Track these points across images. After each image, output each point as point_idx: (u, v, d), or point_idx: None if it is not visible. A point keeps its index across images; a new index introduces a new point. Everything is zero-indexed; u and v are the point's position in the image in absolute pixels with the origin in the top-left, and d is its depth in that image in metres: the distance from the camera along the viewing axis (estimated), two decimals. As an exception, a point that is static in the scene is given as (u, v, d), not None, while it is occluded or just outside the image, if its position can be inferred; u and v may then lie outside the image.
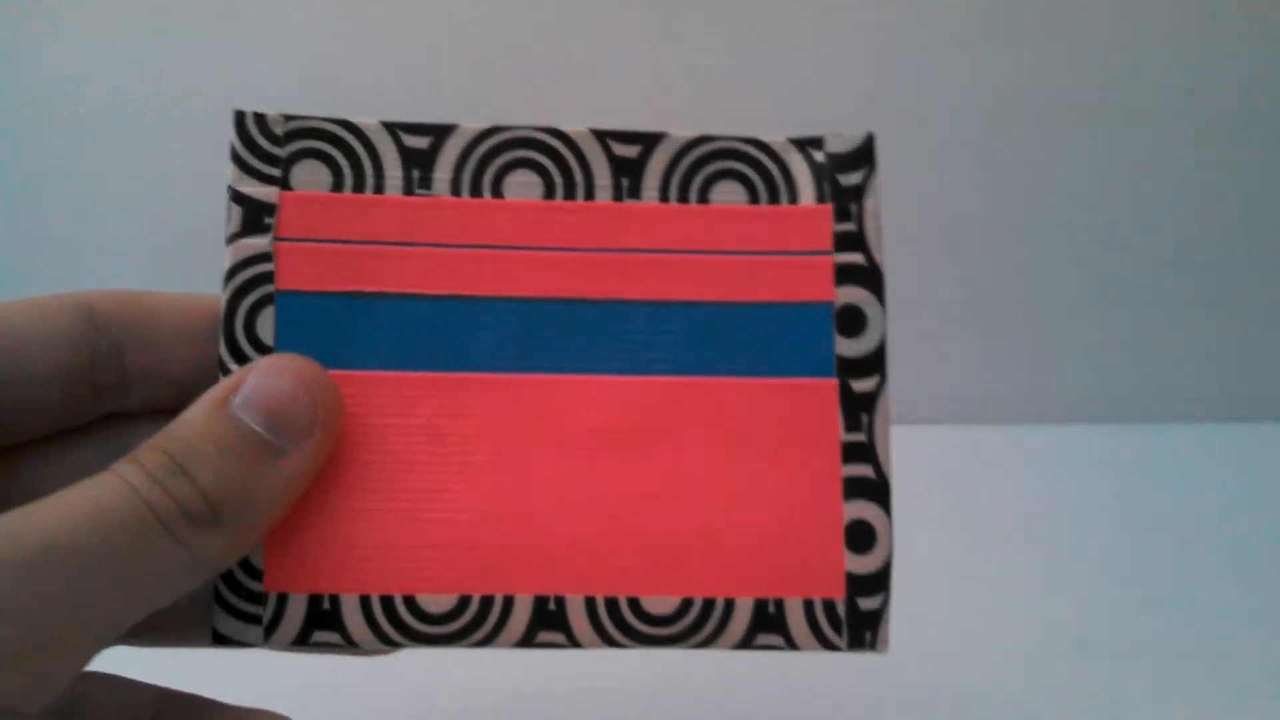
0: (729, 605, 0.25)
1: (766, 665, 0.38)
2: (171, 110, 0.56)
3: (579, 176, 0.26)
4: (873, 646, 0.25)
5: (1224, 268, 0.58)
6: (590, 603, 0.25)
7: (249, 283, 0.25)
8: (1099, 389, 0.60)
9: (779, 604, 0.25)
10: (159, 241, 0.57)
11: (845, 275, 0.26)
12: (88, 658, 0.21)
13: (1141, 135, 0.56)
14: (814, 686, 0.38)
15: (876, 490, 0.25)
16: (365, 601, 0.25)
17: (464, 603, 0.25)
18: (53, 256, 0.57)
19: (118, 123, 0.56)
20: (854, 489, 0.25)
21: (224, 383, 0.23)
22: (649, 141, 0.26)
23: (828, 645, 0.25)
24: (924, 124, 0.49)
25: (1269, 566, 0.47)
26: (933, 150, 0.51)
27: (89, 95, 0.56)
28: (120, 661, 0.24)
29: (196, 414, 0.23)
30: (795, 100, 0.54)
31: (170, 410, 0.25)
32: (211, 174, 0.52)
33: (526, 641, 0.25)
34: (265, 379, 0.23)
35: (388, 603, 0.25)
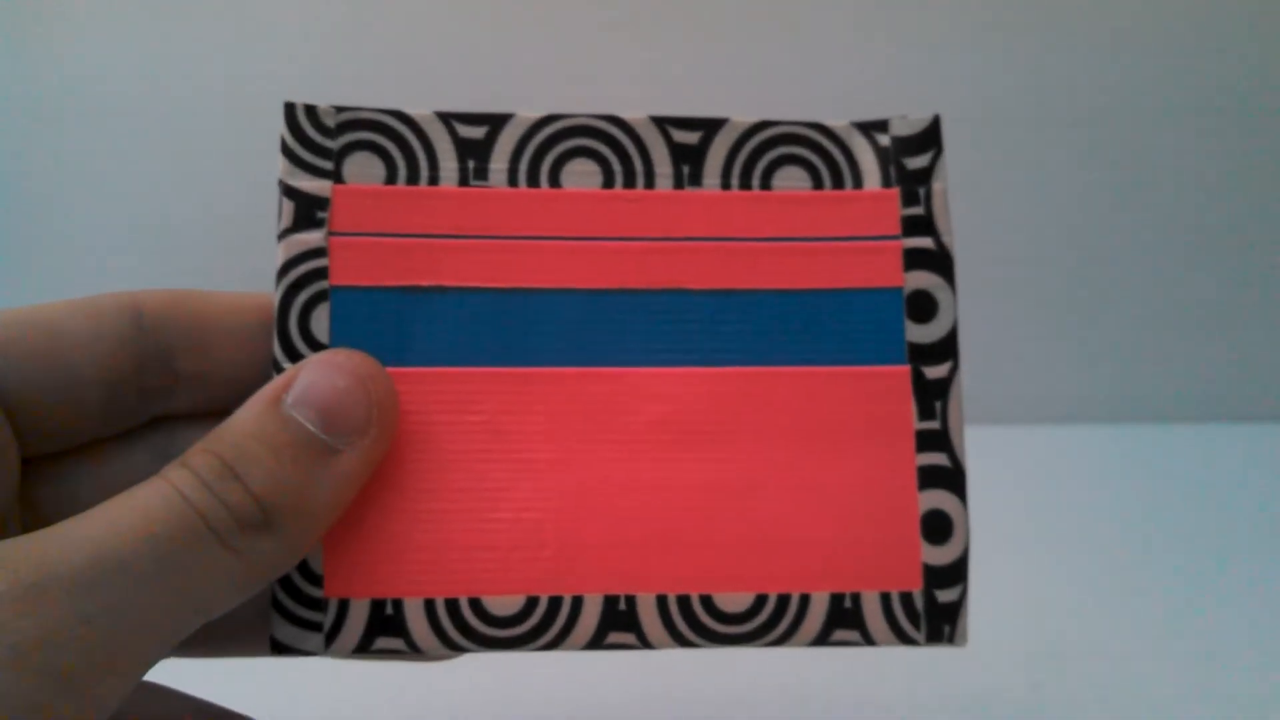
0: (804, 600, 0.25)
1: (792, 665, 0.38)
2: (178, 107, 0.55)
3: (639, 164, 0.25)
4: (951, 640, 0.25)
5: (1225, 268, 0.58)
6: (662, 601, 0.24)
7: (302, 279, 0.24)
8: (1099, 389, 0.60)
9: (855, 598, 0.25)
10: (164, 238, 0.56)
11: (914, 260, 0.25)
12: (139, 675, 0.20)
13: (1141, 135, 0.56)
14: (836, 688, 0.38)
15: (952, 479, 0.25)
16: (429, 605, 0.24)
17: (531, 604, 0.24)
18: (61, 255, 0.56)
19: (124, 120, 0.56)
20: (929, 478, 0.25)
21: (276, 381, 0.23)
22: (710, 128, 0.26)
23: (905, 640, 0.25)
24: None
25: (1269, 566, 0.47)
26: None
27: (95, 93, 0.55)
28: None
29: (248, 414, 0.22)
30: (798, 97, 0.54)
31: (222, 412, 0.25)
32: (223, 170, 0.52)
33: (596, 643, 0.24)
34: (318, 375, 0.22)
35: (453, 606, 0.24)
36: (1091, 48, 0.55)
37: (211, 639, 0.24)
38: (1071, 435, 0.59)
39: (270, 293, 0.25)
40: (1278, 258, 0.58)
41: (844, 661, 0.39)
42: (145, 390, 0.25)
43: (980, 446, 0.55)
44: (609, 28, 0.54)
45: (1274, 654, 0.41)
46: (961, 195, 0.55)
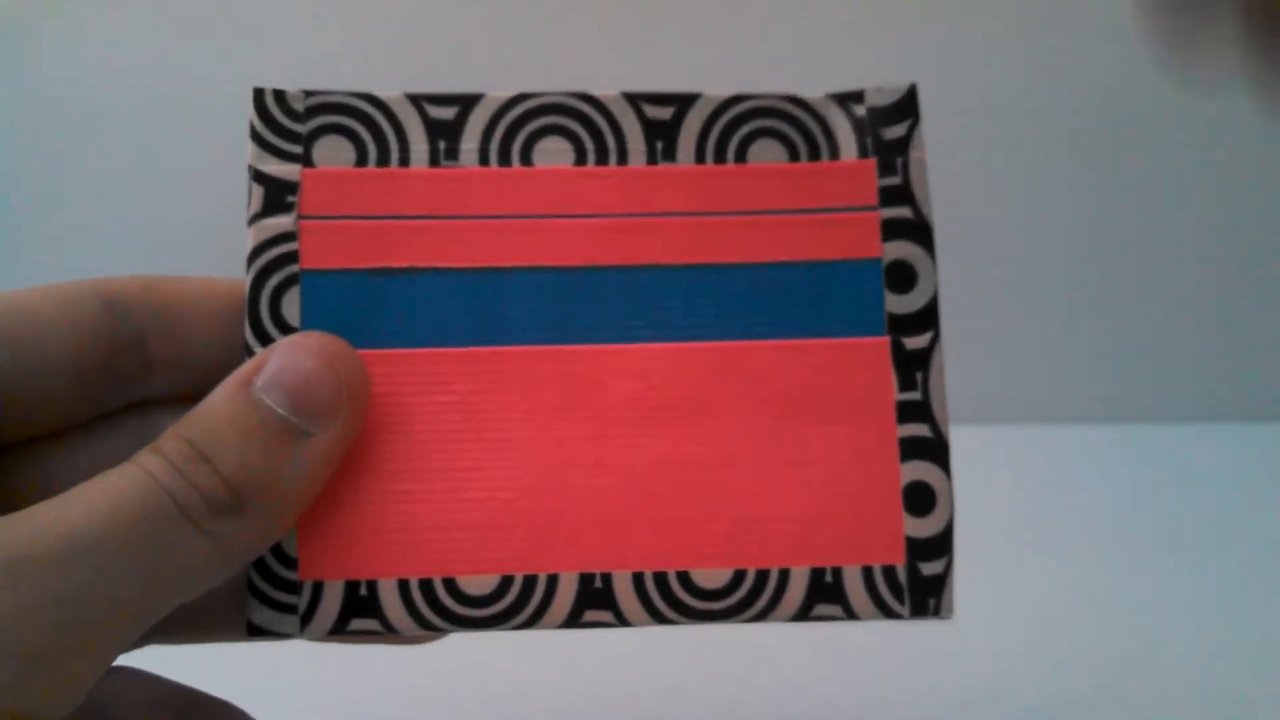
0: (784, 575, 0.24)
1: (787, 664, 0.38)
2: (174, 106, 0.56)
3: (611, 141, 0.25)
4: (937, 613, 0.24)
5: (1224, 268, 0.58)
6: (638, 578, 0.24)
7: (273, 263, 0.24)
8: (1099, 389, 0.60)
9: (836, 572, 0.24)
10: (161, 236, 0.57)
11: (893, 230, 0.25)
12: (113, 657, 0.20)
13: (1142, 135, 0.56)
14: (819, 687, 0.38)
15: (935, 450, 0.25)
16: (404, 586, 0.24)
17: (506, 583, 0.24)
18: (58, 253, 0.57)
19: (121, 118, 0.56)
20: (911, 449, 0.25)
21: (246, 365, 0.23)
22: (683, 102, 0.25)
23: (889, 613, 0.24)
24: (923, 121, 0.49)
25: (1269, 566, 0.46)
26: (932, 150, 0.51)
27: (93, 92, 0.56)
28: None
29: (218, 398, 0.22)
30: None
31: (198, 397, 0.25)
32: (210, 166, 0.52)
33: (573, 621, 0.24)
34: (288, 358, 0.23)
35: (427, 586, 0.24)
36: (1094, 45, 0.55)
37: (190, 625, 0.24)
38: (1071, 435, 0.59)
39: (241, 278, 0.25)
40: (1278, 258, 0.58)
41: (839, 658, 0.39)
42: (119, 376, 0.25)
43: (981, 446, 0.55)
44: (585, 12, 0.55)
45: (1274, 654, 0.40)
46: (963, 194, 0.55)
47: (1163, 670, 0.39)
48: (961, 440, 0.51)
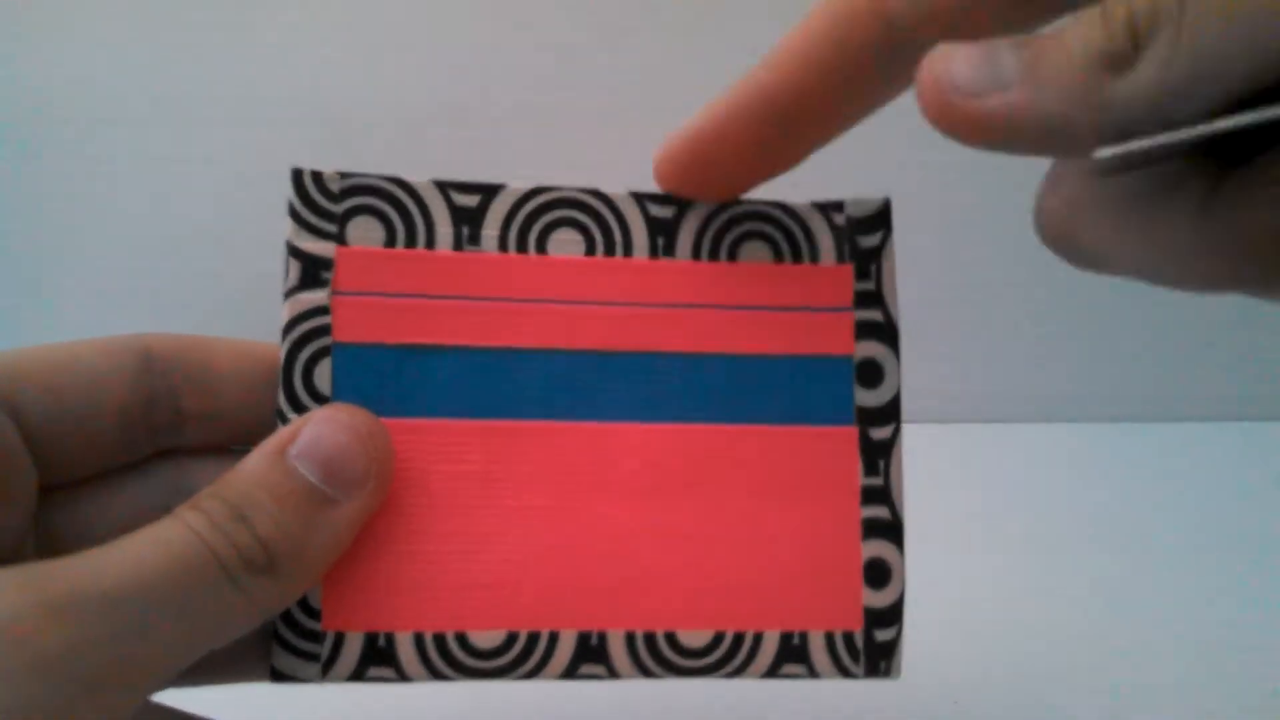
0: (757, 638, 0.27)
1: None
2: (180, 118, 0.56)
3: (618, 235, 0.27)
4: (887, 674, 0.27)
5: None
6: (630, 638, 0.27)
7: (307, 335, 0.26)
8: (1099, 389, 0.61)
9: (803, 636, 0.27)
10: (169, 247, 0.58)
11: (865, 330, 0.28)
12: (152, 692, 0.22)
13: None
14: (806, 689, 0.39)
15: (891, 530, 0.27)
16: (419, 639, 0.26)
17: (511, 639, 0.26)
18: (63, 267, 0.58)
19: (128, 129, 0.57)
20: (871, 529, 0.27)
21: (281, 432, 0.25)
22: (684, 203, 0.28)
23: (846, 674, 0.27)
24: (922, 121, 0.50)
25: (1269, 566, 0.47)
26: (931, 148, 0.52)
27: (98, 101, 0.57)
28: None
29: (255, 463, 0.24)
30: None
31: (223, 449, 0.27)
32: (223, 180, 0.53)
33: (570, 674, 0.27)
34: (321, 430, 0.24)
35: (440, 640, 0.26)
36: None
37: (213, 667, 0.25)
38: (1071, 435, 0.60)
39: (271, 343, 0.27)
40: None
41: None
42: (154, 426, 0.27)
43: (978, 446, 0.56)
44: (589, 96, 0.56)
45: (1274, 654, 0.41)
46: (963, 191, 0.56)
47: (1162, 669, 0.40)
48: (958, 440, 0.52)
